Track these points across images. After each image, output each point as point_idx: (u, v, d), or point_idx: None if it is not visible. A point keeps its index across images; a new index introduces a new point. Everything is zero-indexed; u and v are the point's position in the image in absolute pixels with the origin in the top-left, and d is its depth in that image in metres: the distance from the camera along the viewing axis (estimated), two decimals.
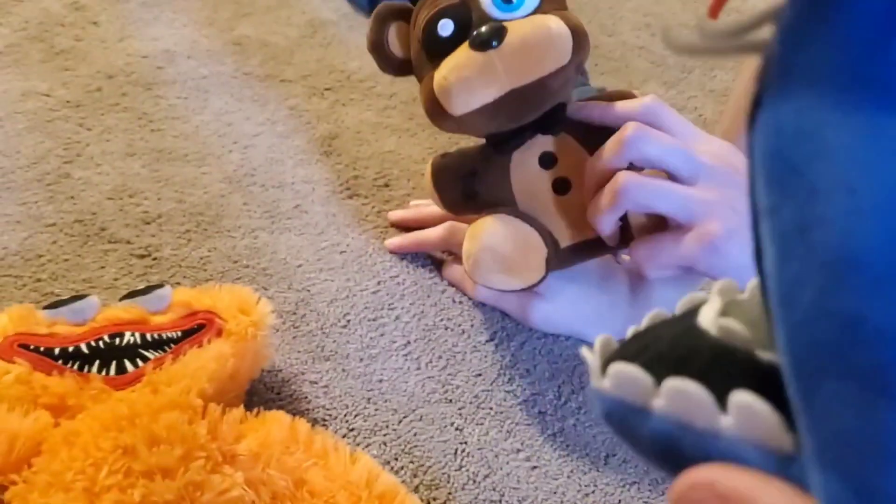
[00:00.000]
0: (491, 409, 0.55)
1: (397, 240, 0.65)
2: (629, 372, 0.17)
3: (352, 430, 0.52)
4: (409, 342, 0.58)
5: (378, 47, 0.54)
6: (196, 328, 0.48)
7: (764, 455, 0.14)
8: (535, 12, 0.49)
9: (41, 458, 0.39)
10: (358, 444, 0.52)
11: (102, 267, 0.59)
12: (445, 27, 0.49)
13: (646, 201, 0.49)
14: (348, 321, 0.59)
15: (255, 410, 0.47)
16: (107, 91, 0.74)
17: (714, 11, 0.31)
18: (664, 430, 0.16)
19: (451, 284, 0.63)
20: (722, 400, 0.16)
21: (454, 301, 0.62)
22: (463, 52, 0.48)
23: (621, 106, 0.52)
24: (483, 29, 0.47)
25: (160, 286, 0.50)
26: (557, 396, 0.56)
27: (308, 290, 0.60)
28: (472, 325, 0.60)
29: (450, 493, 0.50)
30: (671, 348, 0.17)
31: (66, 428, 0.41)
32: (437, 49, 0.50)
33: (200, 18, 0.86)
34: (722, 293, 0.19)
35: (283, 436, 0.45)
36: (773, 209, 0.13)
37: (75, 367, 0.45)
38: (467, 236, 0.53)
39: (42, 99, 0.71)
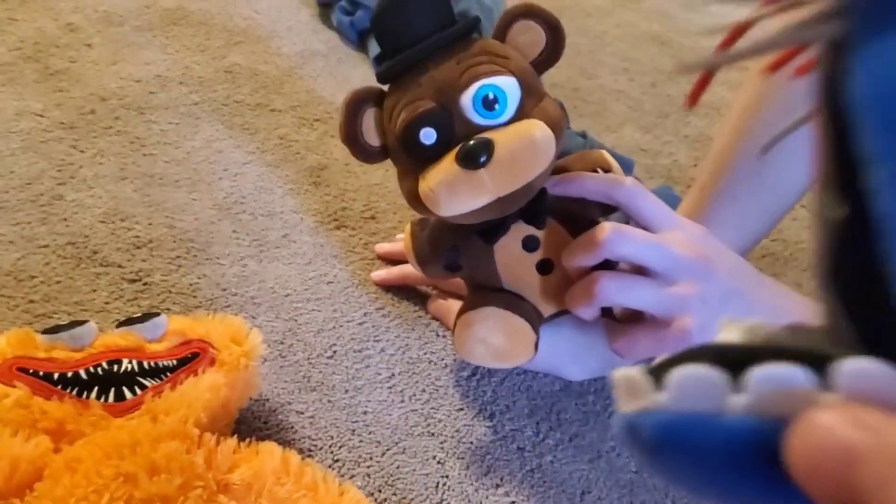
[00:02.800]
0: (472, 443, 0.57)
1: (383, 273, 0.67)
2: (700, 372, 0.15)
3: (336, 461, 0.54)
4: (393, 374, 0.60)
5: (353, 139, 0.51)
6: (190, 357, 0.50)
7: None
8: (516, 114, 0.48)
9: (43, 483, 0.40)
10: (342, 476, 0.53)
11: (94, 290, 0.59)
12: (428, 136, 0.47)
13: (620, 299, 0.52)
14: (334, 352, 0.60)
15: (248, 440, 0.48)
16: (100, 113, 0.75)
17: (693, 98, 0.29)
18: (747, 432, 0.15)
19: (435, 318, 0.65)
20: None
21: (438, 335, 0.64)
22: (449, 164, 0.47)
23: (601, 183, 0.53)
24: (471, 144, 0.46)
25: (157, 314, 0.51)
26: (536, 433, 0.58)
27: (295, 320, 0.62)
28: (454, 360, 0.62)
29: None
30: (725, 353, 0.16)
31: (67, 454, 0.41)
32: (419, 153, 0.49)
33: (192, 45, 0.88)
34: (731, 330, 0.17)
35: (274, 466, 0.46)
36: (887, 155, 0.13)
37: (74, 392, 0.46)
38: (459, 323, 0.54)
39: (36, 119, 0.72)
